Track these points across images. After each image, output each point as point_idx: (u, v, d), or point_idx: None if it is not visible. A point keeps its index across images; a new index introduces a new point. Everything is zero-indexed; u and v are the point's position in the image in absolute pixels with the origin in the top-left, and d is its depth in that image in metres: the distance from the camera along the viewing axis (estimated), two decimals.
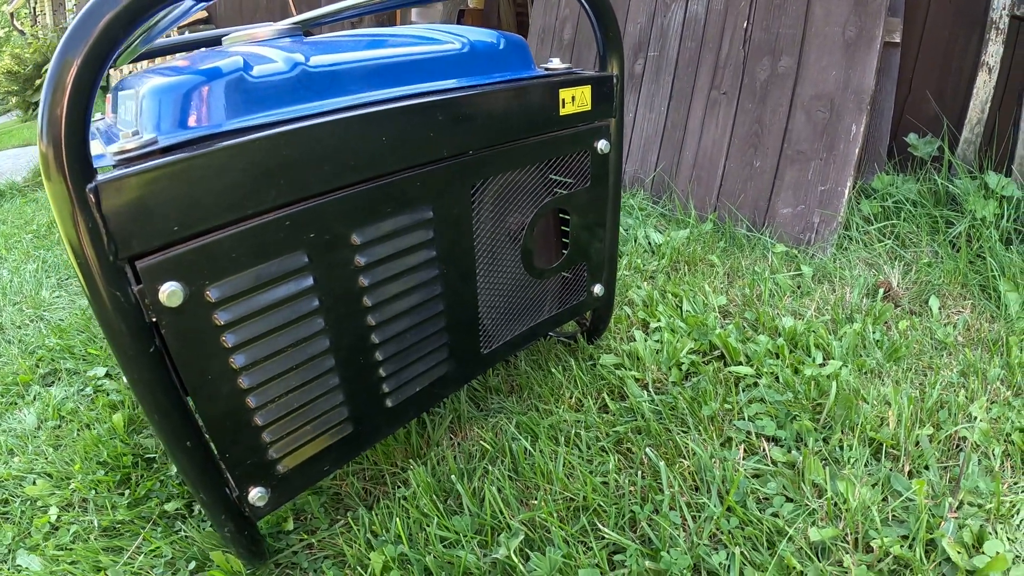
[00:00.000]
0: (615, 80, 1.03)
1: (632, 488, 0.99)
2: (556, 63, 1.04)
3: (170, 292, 0.61)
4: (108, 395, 1.40)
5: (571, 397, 1.20)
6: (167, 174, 0.59)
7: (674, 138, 2.30)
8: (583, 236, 1.11)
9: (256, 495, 0.74)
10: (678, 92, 2.30)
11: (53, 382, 1.56)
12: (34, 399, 1.48)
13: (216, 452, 0.70)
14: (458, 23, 7.23)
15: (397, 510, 0.96)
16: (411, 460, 1.06)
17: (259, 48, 0.87)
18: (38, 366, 1.62)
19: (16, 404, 1.48)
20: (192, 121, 0.68)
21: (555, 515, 0.94)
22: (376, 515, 0.96)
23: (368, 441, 0.87)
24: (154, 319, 0.61)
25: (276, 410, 0.73)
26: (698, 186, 2.20)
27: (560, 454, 1.04)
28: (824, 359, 1.27)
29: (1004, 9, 1.99)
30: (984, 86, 2.08)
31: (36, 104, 6.73)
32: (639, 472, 1.02)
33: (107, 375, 1.50)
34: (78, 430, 1.30)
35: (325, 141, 0.69)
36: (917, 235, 1.85)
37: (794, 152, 1.99)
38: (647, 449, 1.05)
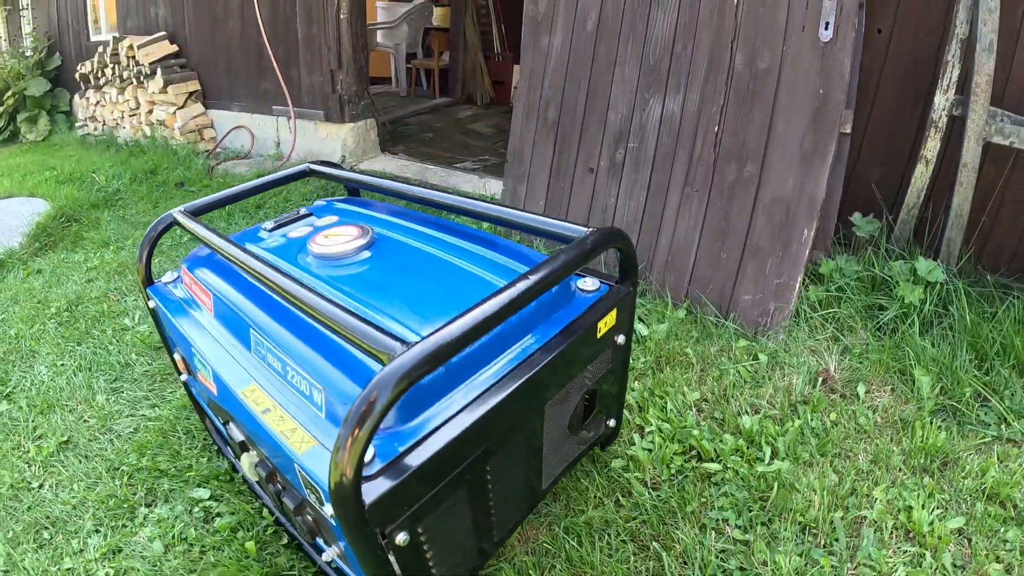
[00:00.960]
0: (632, 293, 1.59)
1: (645, 570, 1.61)
2: (588, 283, 1.59)
3: (402, 540, 1.14)
4: (221, 517, 1.74)
5: (595, 498, 1.81)
6: (400, 488, 1.09)
7: (651, 227, 2.89)
8: (605, 397, 1.70)
9: None
10: (655, 184, 2.88)
11: (153, 502, 1.84)
12: (144, 521, 1.76)
13: None
14: (423, 42, 7.59)
15: None
16: (502, 563, 1.65)
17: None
18: (131, 486, 1.88)
19: (127, 527, 1.75)
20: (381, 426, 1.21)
21: None
22: None
23: (482, 564, 1.46)
24: (391, 555, 1.16)
25: (445, 566, 1.31)
26: (673, 273, 2.80)
27: (596, 547, 1.65)
28: (772, 455, 1.91)
29: (943, 110, 2.59)
30: (921, 176, 2.69)
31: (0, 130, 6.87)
32: (648, 558, 1.64)
33: (212, 497, 1.82)
34: (212, 554, 1.64)
35: (479, 431, 1.22)
36: (855, 320, 2.50)
37: (755, 247, 2.60)
38: (653, 543, 1.67)
